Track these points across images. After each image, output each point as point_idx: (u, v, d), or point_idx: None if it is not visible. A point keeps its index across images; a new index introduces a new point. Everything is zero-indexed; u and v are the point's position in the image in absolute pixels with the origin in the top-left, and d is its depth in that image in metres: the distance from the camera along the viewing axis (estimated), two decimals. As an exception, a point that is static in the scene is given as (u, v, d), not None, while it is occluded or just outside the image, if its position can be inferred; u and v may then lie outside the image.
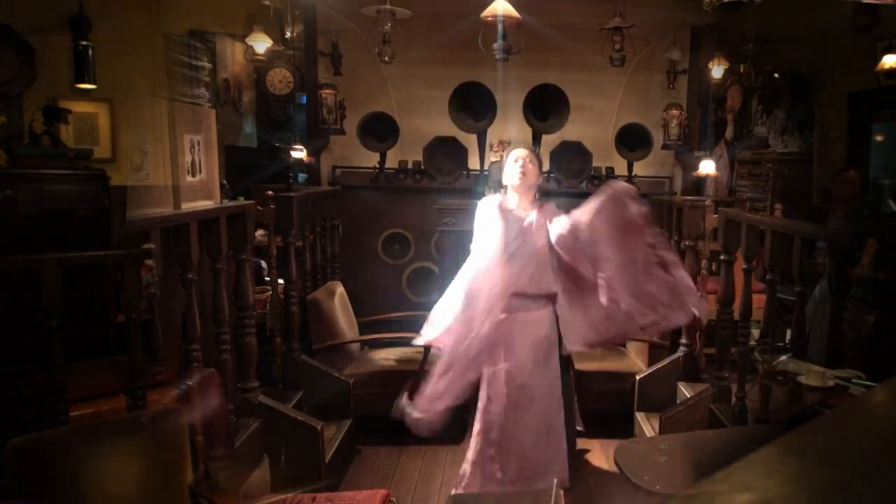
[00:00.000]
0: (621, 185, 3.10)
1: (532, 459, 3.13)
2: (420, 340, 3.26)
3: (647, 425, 3.81)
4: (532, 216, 3.15)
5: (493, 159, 4.98)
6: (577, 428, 3.57)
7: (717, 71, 5.37)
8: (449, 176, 5.39)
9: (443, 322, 3.14)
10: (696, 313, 3.08)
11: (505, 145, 4.95)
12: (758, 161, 5.82)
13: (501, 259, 3.07)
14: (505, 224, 3.13)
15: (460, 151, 5.36)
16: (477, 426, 3.19)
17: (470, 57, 4.73)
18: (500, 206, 3.19)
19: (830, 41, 5.26)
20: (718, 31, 5.18)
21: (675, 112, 5.48)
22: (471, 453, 3.19)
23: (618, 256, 2.98)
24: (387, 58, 4.55)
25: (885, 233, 3.95)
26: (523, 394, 3.11)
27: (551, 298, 3.15)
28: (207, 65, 4.73)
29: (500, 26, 3.88)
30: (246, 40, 5.02)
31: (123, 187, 3.30)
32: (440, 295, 3.31)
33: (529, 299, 3.13)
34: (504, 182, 3.24)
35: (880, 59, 4.74)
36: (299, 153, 5.15)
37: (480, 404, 3.17)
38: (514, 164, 3.16)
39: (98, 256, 2.60)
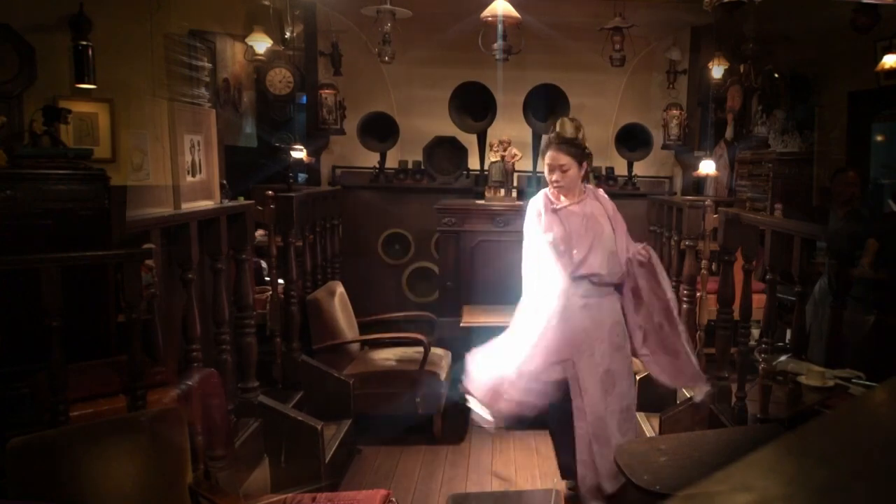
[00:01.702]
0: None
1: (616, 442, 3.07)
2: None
3: (647, 425, 3.80)
4: (589, 206, 3.03)
5: (493, 159, 4.98)
6: None
7: (717, 71, 5.37)
8: (449, 176, 5.40)
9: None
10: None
11: (505, 145, 4.95)
12: (758, 161, 5.82)
13: (563, 251, 2.96)
14: (558, 218, 3.00)
15: (460, 151, 5.36)
16: (579, 423, 3.07)
17: (470, 57, 4.73)
18: (547, 202, 3.04)
19: (830, 41, 5.26)
20: (718, 31, 5.17)
21: (675, 112, 5.48)
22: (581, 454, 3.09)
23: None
24: (387, 58, 4.55)
25: (885, 233, 3.94)
26: (608, 379, 3.03)
27: (618, 287, 3.09)
28: (207, 65, 4.73)
29: (500, 26, 3.88)
30: (246, 40, 5.02)
31: (123, 187, 3.29)
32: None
33: (602, 286, 3.03)
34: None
35: (880, 59, 4.73)
36: (299, 153, 5.15)
37: (576, 401, 3.04)
38: (548, 174, 3.01)
39: (98, 256, 2.60)
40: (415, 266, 5.50)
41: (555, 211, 3.01)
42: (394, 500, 2.51)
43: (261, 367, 3.35)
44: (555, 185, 2.98)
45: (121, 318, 2.73)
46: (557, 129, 2.99)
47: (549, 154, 2.98)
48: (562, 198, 3.03)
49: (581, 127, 3.01)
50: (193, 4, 4.48)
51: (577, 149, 2.96)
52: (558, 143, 2.95)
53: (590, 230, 2.99)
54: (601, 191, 3.22)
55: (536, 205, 3.06)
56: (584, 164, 3.01)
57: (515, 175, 5.03)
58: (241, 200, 4.28)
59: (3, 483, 1.88)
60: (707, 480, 0.43)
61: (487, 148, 5.14)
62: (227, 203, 4.17)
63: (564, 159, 2.93)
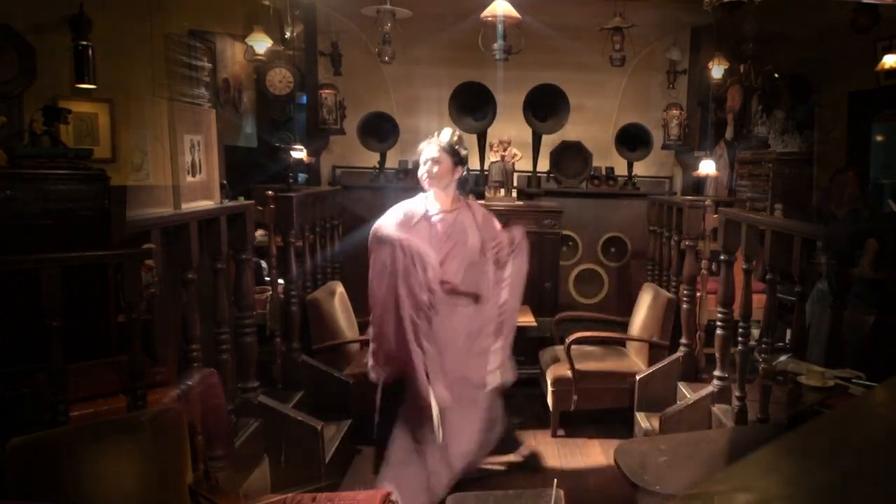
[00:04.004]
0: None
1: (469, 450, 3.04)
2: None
3: (647, 425, 3.81)
4: (461, 215, 3.14)
5: (493, 159, 4.98)
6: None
7: (717, 71, 5.38)
8: (449, 176, 5.40)
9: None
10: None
11: (505, 145, 4.95)
12: (758, 161, 5.82)
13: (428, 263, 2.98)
14: (427, 224, 3.10)
15: (460, 151, 5.36)
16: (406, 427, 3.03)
17: (470, 57, 4.73)
18: (404, 222, 3.09)
19: (830, 41, 5.26)
20: (718, 31, 5.18)
21: (675, 112, 5.48)
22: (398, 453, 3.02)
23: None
24: (387, 58, 4.55)
25: (885, 233, 3.94)
26: (465, 385, 3.02)
27: (477, 298, 3.09)
28: (207, 65, 4.73)
29: (500, 26, 3.88)
30: (246, 40, 5.02)
31: (123, 187, 3.30)
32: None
33: (461, 295, 3.05)
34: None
35: (880, 59, 4.74)
36: (299, 153, 5.15)
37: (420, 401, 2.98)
38: (423, 166, 3.11)
39: (98, 256, 2.60)
40: (415, 266, 5.49)
41: (426, 218, 3.11)
42: (394, 500, 2.51)
43: (261, 367, 3.35)
44: (428, 179, 3.10)
45: (121, 318, 2.74)
46: (438, 135, 3.17)
47: (430, 151, 3.11)
48: (437, 205, 3.12)
49: (462, 137, 3.24)
50: (193, 4, 4.49)
51: (450, 152, 3.11)
52: (439, 144, 3.11)
53: (451, 238, 3.08)
54: (476, 202, 3.32)
55: (409, 206, 3.14)
56: (458, 168, 3.14)
57: (515, 175, 5.04)
58: (241, 200, 4.28)
59: (3, 483, 1.88)
60: (707, 480, 0.43)
61: (487, 148, 5.15)
62: (227, 203, 4.16)
63: (441, 156, 3.08)
